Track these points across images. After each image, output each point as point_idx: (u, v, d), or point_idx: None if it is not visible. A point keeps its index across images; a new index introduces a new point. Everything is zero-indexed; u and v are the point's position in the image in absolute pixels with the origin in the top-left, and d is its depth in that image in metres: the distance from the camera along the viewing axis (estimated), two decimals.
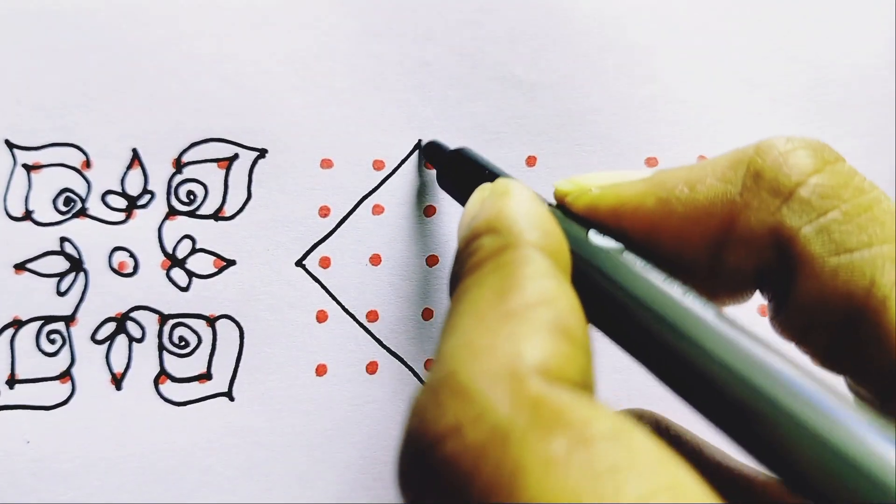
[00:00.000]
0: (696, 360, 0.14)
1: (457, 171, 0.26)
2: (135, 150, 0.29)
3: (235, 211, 0.29)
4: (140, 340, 0.29)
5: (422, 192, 0.30)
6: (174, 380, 0.28)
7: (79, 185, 0.29)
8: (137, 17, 0.30)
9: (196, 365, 0.29)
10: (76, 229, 0.29)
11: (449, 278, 0.18)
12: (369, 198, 0.30)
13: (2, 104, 0.29)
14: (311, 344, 0.29)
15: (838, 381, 0.18)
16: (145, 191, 0.29)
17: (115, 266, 0.29)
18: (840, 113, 0.32)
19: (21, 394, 0.28)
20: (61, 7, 0.30)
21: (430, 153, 0.29)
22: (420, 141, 0.30)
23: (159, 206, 0.29)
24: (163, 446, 0.28)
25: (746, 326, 0.15)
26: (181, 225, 0.29)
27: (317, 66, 0.30)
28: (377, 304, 0.29)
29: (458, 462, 0.12)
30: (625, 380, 0.30)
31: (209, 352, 0.29)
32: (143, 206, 0.29)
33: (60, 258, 0.29)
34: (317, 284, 0.29)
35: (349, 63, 0.30)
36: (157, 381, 0.28)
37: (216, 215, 0.29)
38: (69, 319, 0.28)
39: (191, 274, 0.29)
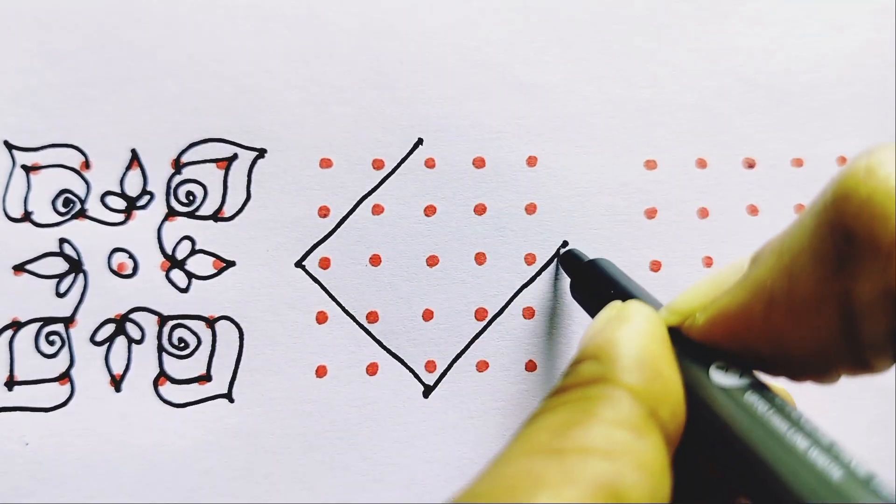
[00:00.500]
0: None
1: (590, 282, 0.25)
2: (134, 151, 0.29)
3: (235, 211, 0.29)
4: (139, 342, 0.28)
5: (421, 191, 0.30)
6: (174, 381, 0.28)
7: (78, 186, 0.29)
8: (137, 17, 0.30)
9: (196, 366, 0.29)
10: (75, 230, 0.29)
11: None
12: (369, 198, 0.30)
13: (1, 105, 0.29)
14: (311, 345, 0.29)
15: None
16: (144, 191, 0.29)
17: (115, 267, 0.29)
18: (840, 113, 0.32)
19: (20, 395, 0.28)
20: (60, 8, 0.30)
21: (565, 262, 0.29)
22: (420, 140, 0.30)
23: (158, 207, 0.29)
24: (162, 448, 0.28)
25: (882, 485, 0.13)
26: (180, 226, 0.29)
27: (317, 65, 0.30)
28: (377, 304, 0.29)
29: None
30: None
31: (209, 353, 0.29)
32: (143, 207, 0.29)
33: (60, 259, 0.29)
34: (316, 285, 0.29)
35: (349, 63, 0.30)
36: (156, 383, 0.28)
37: (215, 216, 0.29)
38: (68, 321, 0.28)
39: (190, 275, 0.29)
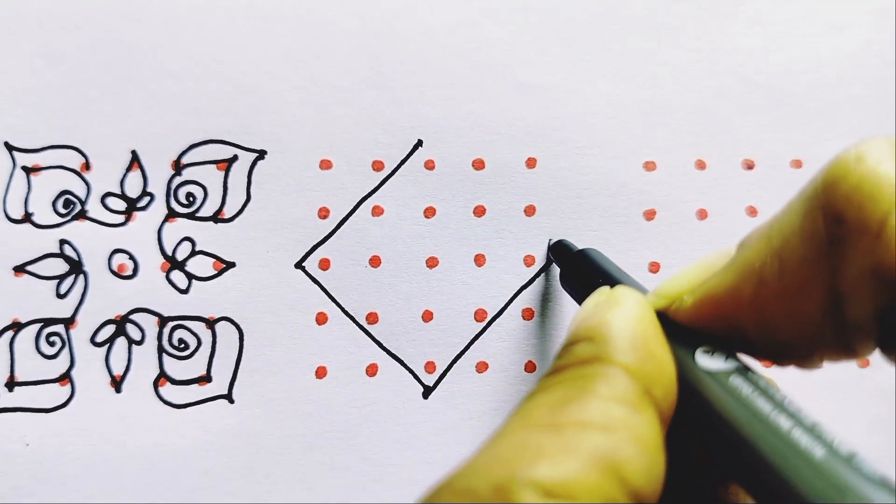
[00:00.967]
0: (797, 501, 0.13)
1: (579, 272, 0.26)
2: (134, 152, 0.29)
3: (235, 213, 0.29)
4: (140, 343, 0.29)
5: (421, 193, 0.30)
6: (174, 382, 0.28)
7: (78, 188, 0.29)
8: (137, 17, 0.30)
9: (196, 367, 0.29)
10: (76, 231, 0.29)
11: None
12: (369, 199, 0.30)
13: (1, 106, 0.29)
14: (311, 346, 0.29)
15: None
16: (144, 193, 0.29)
17: (115, 268, 0.29)
18: (840, 113, 0.32)
19: (20, 396, 0.28)
20: (61, 8, 0.30)
21: (555, 252, 0.29)
22: (420, 141, 0.30)
23: (159, 208, 0.29)
24: (162, 448, 0.28)
25: (863, 463, 0.14)
26: (181, 227, 0.29)
27: (317, 65, 0.30)
28: (377, 305, 0.29)
29: None
30: None
31: (209, 354, 0.29)
32: (143, 209, 0.29)
33: (60, 260, 0.29)
34: (316, 286, 0.29)
35: (349, 63, 0.30)
36: (156, 384, 0.28)
37: (216, 217, 0.29)
38: (69, 322, 0.28)
39: (190, 276, 0.29)
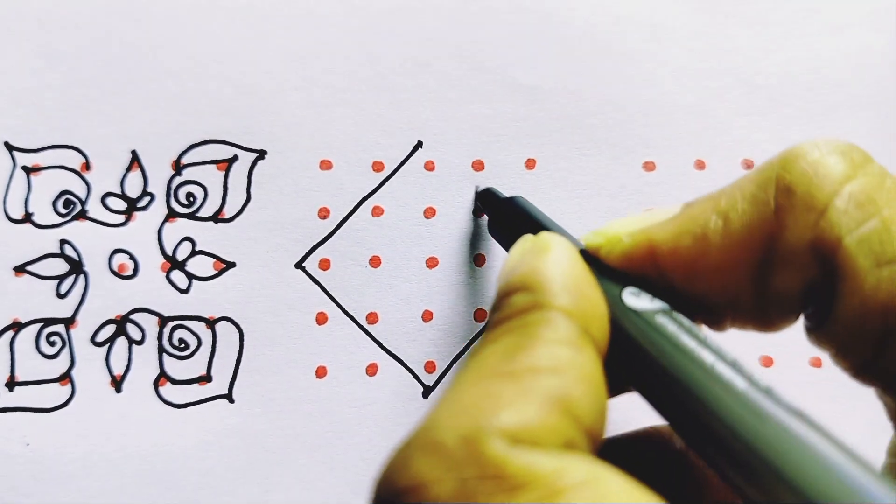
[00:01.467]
0: (721, 431, 0.14)
1: (508, 219, 0.26)
2: (134, 152, 0.29)
3: (235, 213, 0.29)
4: (140, 342, 0.29)
5: (421, 193, 0.30)
6: (174, 382, 0.28)
7: (78, 188, 0.29)
8: (137, 17, 0.30)
9: (196, 367, 0.29)
10: (76, 231, 0.29)
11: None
12: (369, 199, 0.30)
13: (1, 106, 0.29)
14: (311, 346, 0.29)
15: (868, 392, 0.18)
16: (145, 193, 0.29)
17: (115, 268, 0.29)
18: (840, 113, 0.32)
19: (21, 396, 0.28)
20: (61, 9, 0.30)
21: (483, 199, 0.29)
22: (420, 142, 0.30)
23: (159, 208, 0.29)
24: (163, 448, 0.28)
25: (780, 396, 0.14)
26: (181, 227, 0.29)
27: (317, 66, 0.30)
28: (377, 305, 0.29)
29: None
30: None
31: (209, 354, 0.29)
32: (143, 209, 0.29)
33: (60, 260, 0.29)
34: (316, 286, 0.29)
35: (349, 63, 0.30)
36: (156, 384, 0.28)
37: (216, 217, 0.29)
38: (69, 322, 0.28)
39: (190, 276, 0.29)
